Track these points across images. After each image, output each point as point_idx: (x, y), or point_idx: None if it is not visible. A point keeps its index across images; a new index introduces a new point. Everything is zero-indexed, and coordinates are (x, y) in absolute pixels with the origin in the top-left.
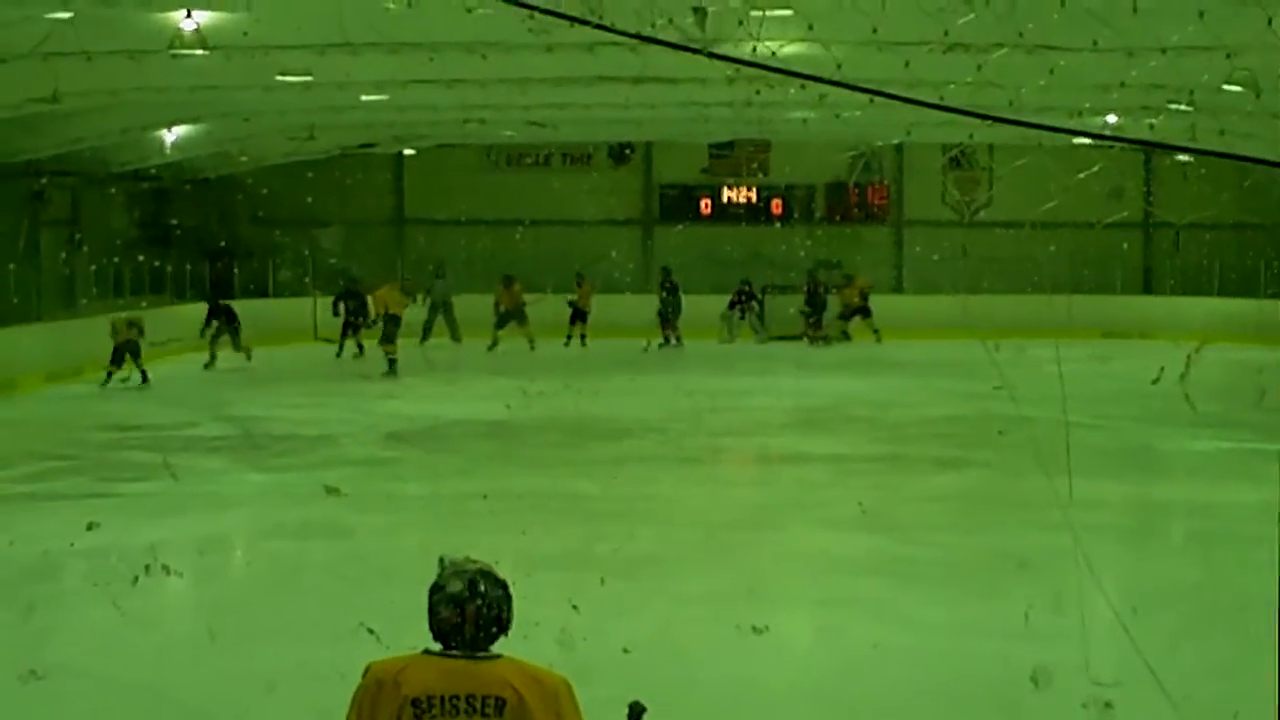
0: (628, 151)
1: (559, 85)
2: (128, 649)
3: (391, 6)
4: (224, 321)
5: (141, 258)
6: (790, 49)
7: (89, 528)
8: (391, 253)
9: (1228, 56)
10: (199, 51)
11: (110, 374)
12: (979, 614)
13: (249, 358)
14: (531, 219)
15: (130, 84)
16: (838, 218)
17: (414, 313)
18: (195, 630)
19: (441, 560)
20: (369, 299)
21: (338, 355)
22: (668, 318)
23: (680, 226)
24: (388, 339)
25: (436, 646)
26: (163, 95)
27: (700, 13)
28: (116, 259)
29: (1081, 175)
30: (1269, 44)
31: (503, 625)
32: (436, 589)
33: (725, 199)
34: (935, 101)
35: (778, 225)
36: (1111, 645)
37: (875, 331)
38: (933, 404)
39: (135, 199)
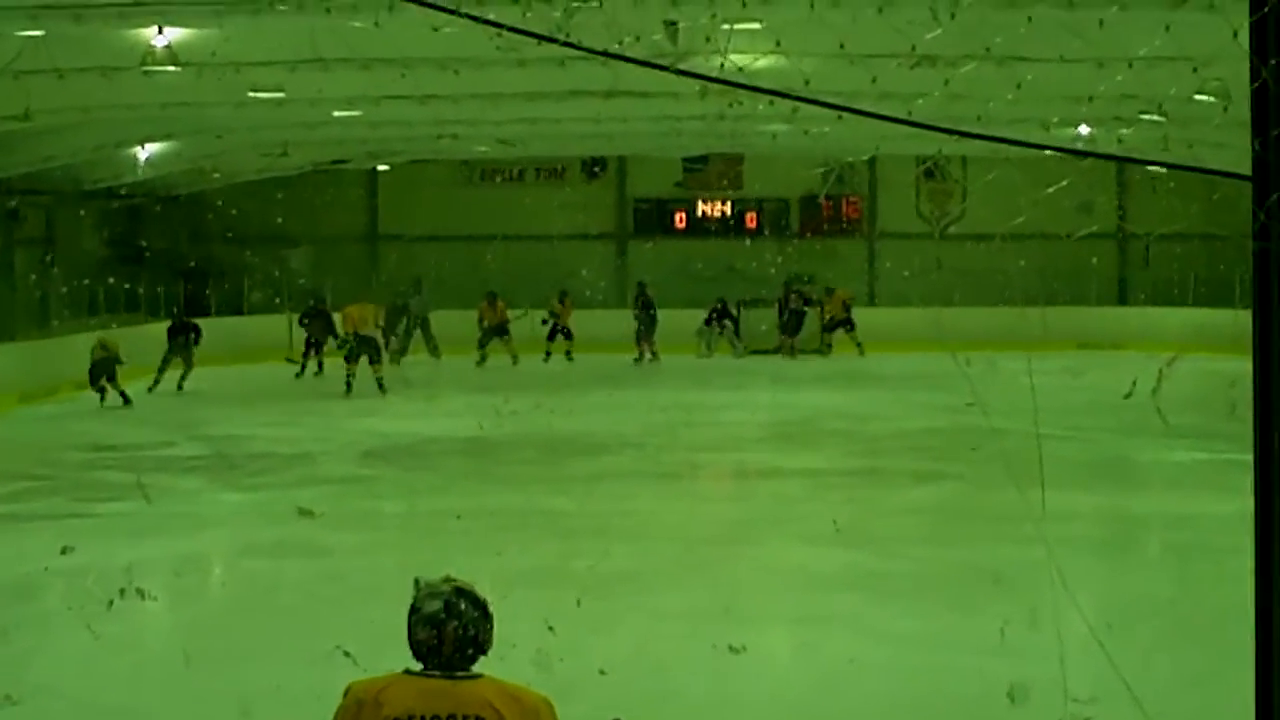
0: (597, 169)
1: (531, 100)
2: (104, 672)
3: (359, 25)
4: (186, 339)
5: (113, 279)
6: (760, 63)
7: (63, 551)
8: (365, 270)
9: (1195, 69)
10: (171, 68)
11: (103, 393)
12: (955, 629)
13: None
14: (505, 234)
15: (102, 101)
16: (811, 231)
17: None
18: (172, 652)
19: (417, 582)
20: (336, 318)
21: (298, 375)
22: (643, 334)
23: (654, 241)
24: (351, 358)
25: (417, 666)
26: (135, 112)
27: (672, 27)
28: (88, 280)
29: (1051, 189)
30: (1235, 55)
31: (480, 645)
32: (414, 610)
33: (699, 213)
34: (903, 116)
35: (751, 239)
36: (1087, 660)
37: (858, 344)
38: (908, 417)
39: (108, 217)
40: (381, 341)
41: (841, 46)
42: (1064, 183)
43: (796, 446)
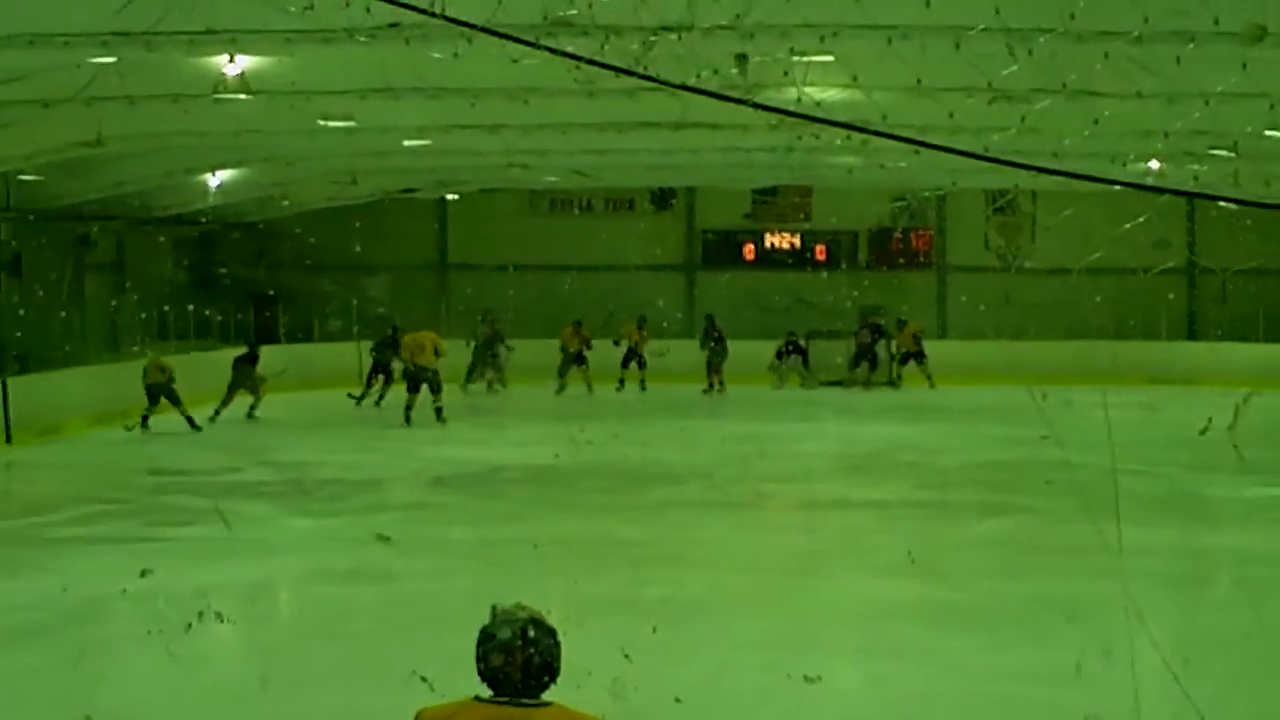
0: (667, 200)
1: (601, 130)
2: (180, 694)
3: (438, 56)
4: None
5: (191, 306)
6: (834, 96)
7: (141, 574)
8: (435, 298)
9: (1271, 106)
10: (242, 96)
11: (145, 417)
12: (1028, 661)
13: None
14: (574, 264)
15: (174, 128)
16: (881, 264)
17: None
18: (248, 675)
19: (494, 609)
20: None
21: (357, 403)
22: (714, 365)
23: (722, 272)
24: (411, 388)
25: (487, 693)
26: (206, 139)
27: (743, 60)
28: (159, 305)
29: (1128, 225)
30: None
31: (553, 673)
32: (487, 636)
33: (768, 244)
34: (978, 150)
35: (821, 271)
36: (1162, 694)
37: (929, 377)
38: (978, 450)
39: (179, 243)
40: (434, 371)
41: (919, 81)
42: (1140, 219)
43: (866, 478)
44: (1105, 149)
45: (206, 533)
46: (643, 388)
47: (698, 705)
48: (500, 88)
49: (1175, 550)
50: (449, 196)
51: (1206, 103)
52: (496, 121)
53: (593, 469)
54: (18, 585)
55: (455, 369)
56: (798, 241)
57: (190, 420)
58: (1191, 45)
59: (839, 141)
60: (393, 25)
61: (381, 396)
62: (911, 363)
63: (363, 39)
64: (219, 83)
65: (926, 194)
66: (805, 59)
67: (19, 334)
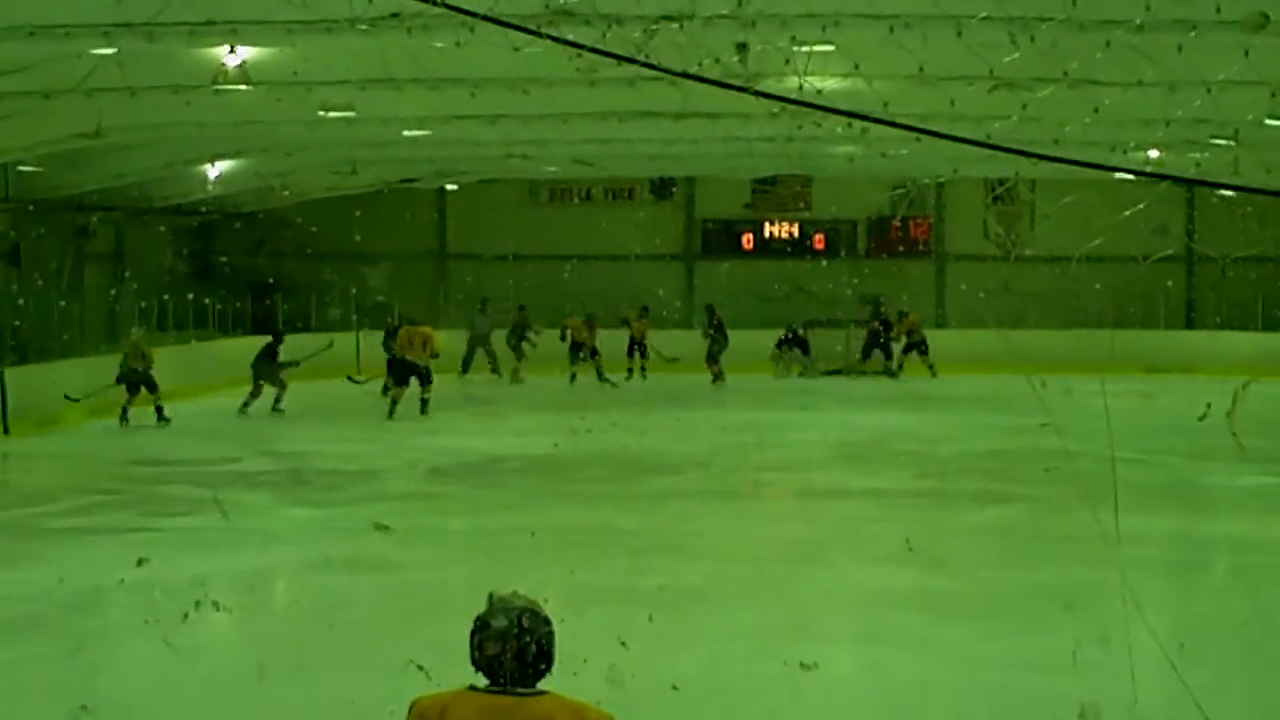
0: (667, 190)
1: (601, 120)
2: (177, 684)
3: (439, 45)
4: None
5: (191, 296)
6: (834, 84)
7: (139, 564)
8: (435, 288)
9: (1273, 94)
10: (242, 86)
11: (126, 410)
12: (1025, 649)
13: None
14: (574, 254)
15: (174, 119)
16: (880, 253)
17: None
18: (244, 665)
19: (491, 596)
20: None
21: (358, 382)
22: (713, 354)
23: (721, 262)
24: (398, 381)
25: (482, 682)
26: (206, 130)
27: (744, 48)
28: (158, 295)
29: (1128, 213)
30: None
31: (548, 662)
32: (482, 625)
33: (767, 234)
34: (979, 138)
35: (820, 260)
36: (1159, 682)
37: (930, 367)
38: (977, 439)
39: (178, 233)
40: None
41: (920, 70)
42: (1140, 206)
43: (865, 467)
44: (1106, 137)
45: (204, 523)
46: (643, 376)
47: (694, 693)
48: (500, 78)
49: (1173, 538)
50: (449, 186)
51: (1208, 91)
52: (497, 111)
53: (591, 458)
54: (15, 576)
55: (452, 358)
56: (797, 230)
57: (159, 410)
58: (1193, 33)
59: (840, 130)
60: (394, 15)
61: (387, 387)
62: (914, 352)
63: (363, 29)
64: (219, 73)
65: (926, 182)
66: (806, 48)
67: (18, 324)
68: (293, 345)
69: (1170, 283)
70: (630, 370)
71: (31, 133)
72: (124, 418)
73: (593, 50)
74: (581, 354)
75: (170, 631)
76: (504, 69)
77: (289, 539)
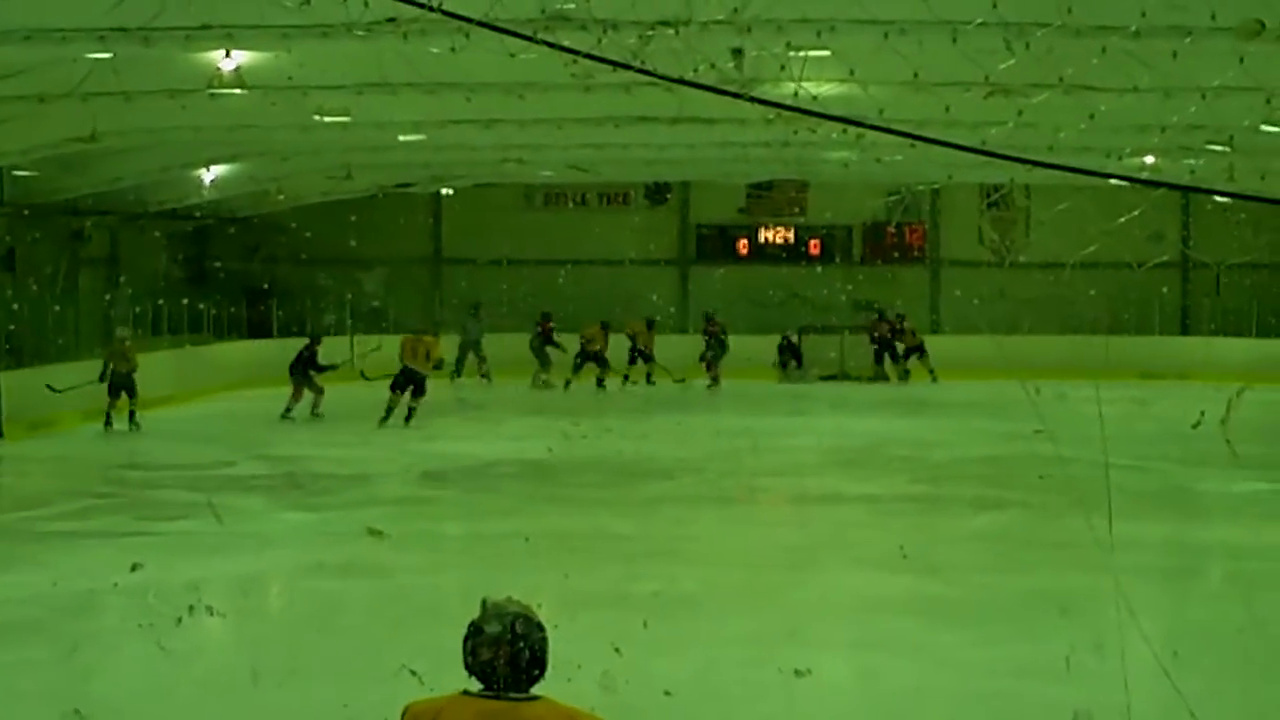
0: (662, 195)
1: (597, 125)
2: (171, 688)
3: (435, 51)
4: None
5: (185, 301)
6: (829, 90)
7: (133, 569)
8: (430, 293)
9: (1268, 101)
10: (237, 91)
11: (110, 415)
12: (1019, 655)
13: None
14: (568, 258)
15: (169, 123)
16: (875, 258)
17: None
18: (238, 669)
19: (484, 601)
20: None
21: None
22: (709, 360)
23: (716, 267)
24: (395, 387)
25: (476, 687)
26: (201, 134)
27: (739, 54)
28: (160, 300)
29: (1123, 219)
30: None
31: (542, 667)
32: (476, 630)
33: (762, 239)
34: (975, 144)
35: (815, 266)
36: (1153, 688)
37: (931, 371)
38: (971, 444)
39: (173, 238)
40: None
41: (916, 76)
42: (1135, 213)
43: (859, 473)
44: (1101, 143)
45: (198, 527)
46: (649, 381)
47: (688, 699)
48: (496, 83)
49: (1167, 544)
50: (444, 191)
51: (1203, 97)
52: (492, 116)
53: (585, 463)
54: (9, 579)
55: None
56: (792, 236)
57: (132, 415)
58: (1188, 40)
59: (835, 136)
60: (390, 20)
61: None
62: (913, 357)
63: (359, 34)
64: (214, 78)
65: (921, 188)
66: (802, 53)
67: (12, 328)
68: (331, 348)
69: (1165, 289)
70: (626, 377)
71: (27, 137)
72: (108, 422)
73: (588, 56)
74: (585, 360)
75: (164, 635)
76: (500, 74)
77: (283, 543)
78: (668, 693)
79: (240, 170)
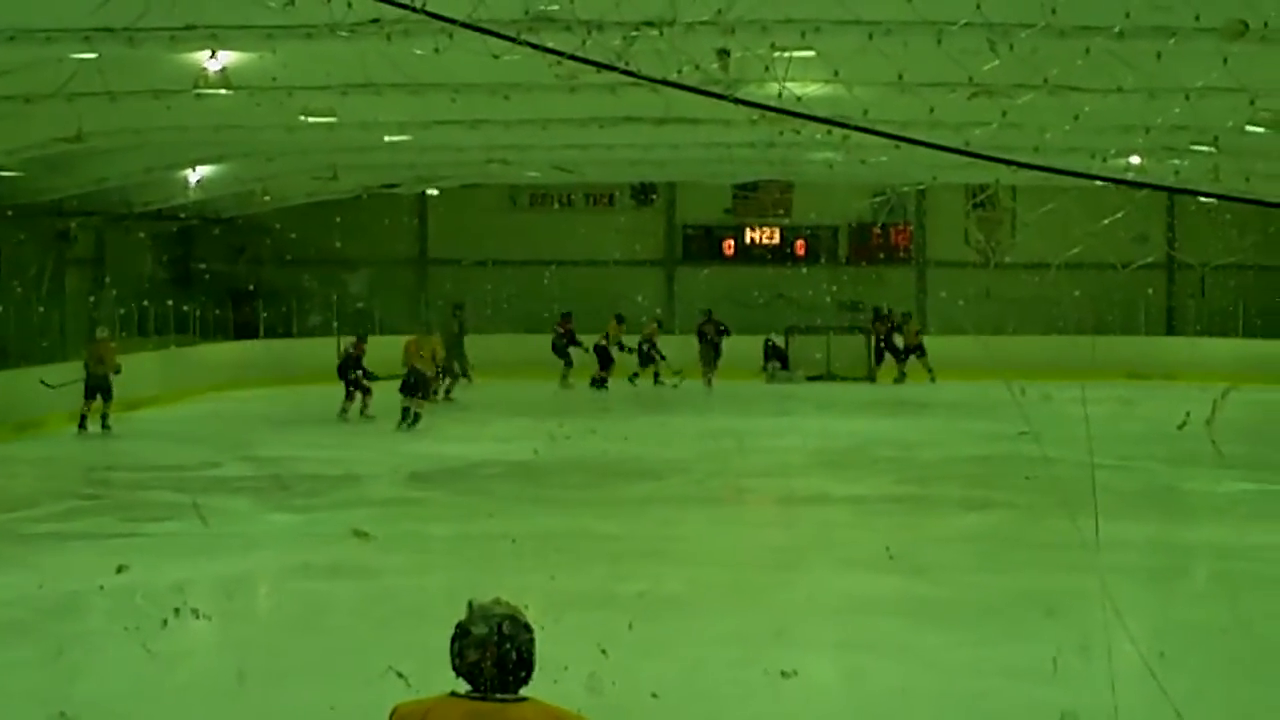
0: (648, 196)
1: (582, 126)
2: (157, 690)
3: (419, 52)
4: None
5: (171, 302)
6: (814, 91)
7: (118, 570)
8: (415, 294)
9: (1252, 102)
10: (223, 91)
11: (84, 417)
12: (1005, 656)
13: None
14: (554, 259)
15: (154, 124)
16: (860, 259)
17: None
18: (224, 671)
19: (471, 603)
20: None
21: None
22: (704, 360)
23: (702, 268)
24: (405, 390)
25: (463, 688)
26: (187, 135)
27: (724, 55)
28: (146, 302)
29: (1107, 220)
30: None
31: (529, 668)
32: (463, 632)
33: (748, 240)
34: (959, 145)
35: (801, 266)
36: (1139, 689)
37: (929, 371)
38: (957, 445)
39: (160, 239)
40: (431, 376)
41: (900, 76)
42: (1120, 214)
43: (845, 473)
44: (1086, 144)
45: (184, 528)
46: (657, 381)
47: (674, 700)
48: (481, 83)
49: (1152, 545)
50: (429, 192)
51: (1187, 98)
52: (477, 117)
53: (572, 464)
54: None
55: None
56: (778, 237)
57: (104, 418)
58: (1172, 41)
59: (820, 137)
60: (374, 21)
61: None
62: (912, 357)
63: (344, 35)
64: (200, 78)
65: (906, 189)
66: (787, 54)
67: None
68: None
69: (1151, 290)
70: (657, 375)
71: (12, 137)
72: (83, 425)
73: (572, 58)
74: (649, 359)
75: (150, 637)
76: (484, 74)
77: (269, 544)
78: (654, 695)
79: (225, 171)
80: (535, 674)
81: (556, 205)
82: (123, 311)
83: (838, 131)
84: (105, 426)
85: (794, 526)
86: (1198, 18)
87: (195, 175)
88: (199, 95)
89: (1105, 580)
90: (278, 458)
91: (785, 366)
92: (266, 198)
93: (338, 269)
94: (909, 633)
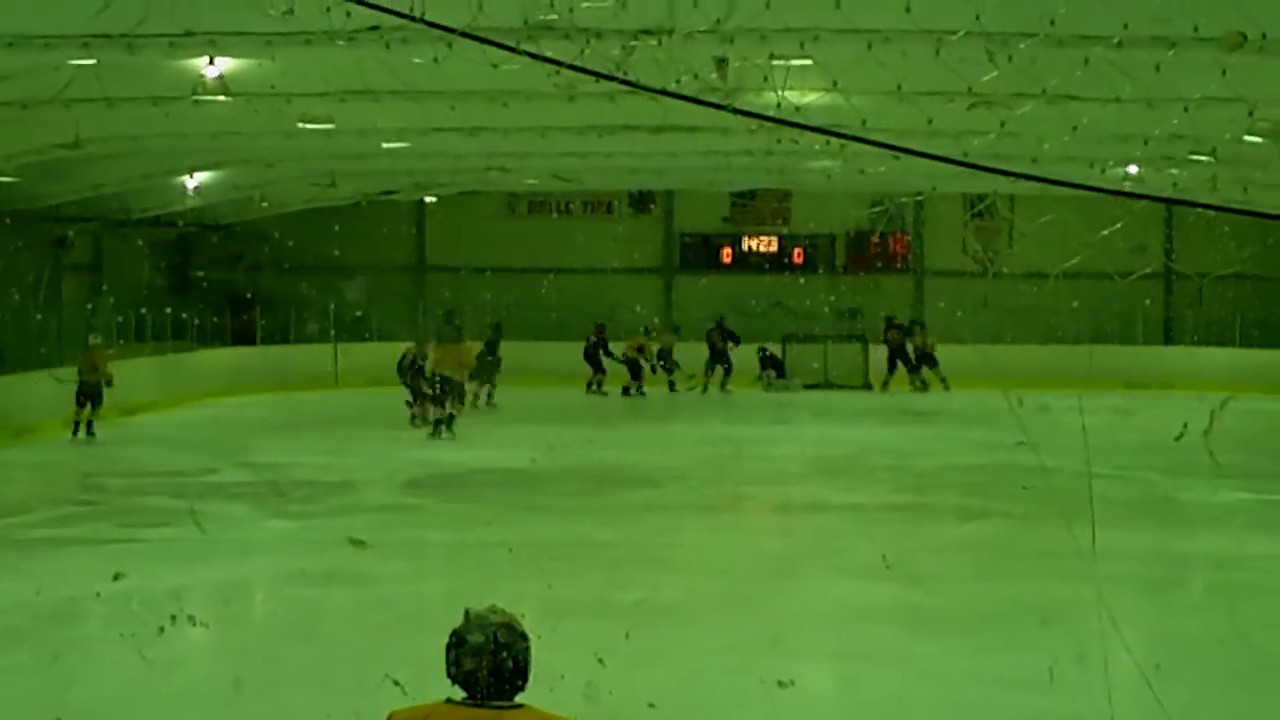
0: (651, 204)
1: (581, 134)
2: (153, 696)
3: (418, 60)
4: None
5: (169, 309)
6: (813, 100)
7: (115, 577)
8: (413, 301)
9: (1250, 112)
10: (221, 98)
11: (77, 424)
12: (1002, 665)
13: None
14: (552, 267)
15: (152, 130)
16: (859, 268)
17: None
18: (220, 678)
19: (467, 612)
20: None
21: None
22: (709, 366)
23: (700, 276)
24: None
25: (459, 695)
26: (185, 141)
27: (723, 64)
28: (143, 309)
29: (1105, 231)
30: None
31: (525, 676)
32: (459, 640)
33: (746, 248)
34: (957, 155)
35: (799, 275)
36: (1136, 699)
37: (943, 380)
38: (954, 454)
39: (158, 246)
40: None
41: (899, 86)
42: (1118, 224)
43: (843, 481)
44: (1084, 154)
45: (181, 534)
46: (672, 389)
47: (671, 709)
48: (480, 91)
49: (1150, 555)
50: (427, 199)
51: (1185, 108)
52: (476, 124)
53: (569, 472)
54: None
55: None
56: (776, 245)
57: (90, 425)
58: (1171, 51)
59: (818, 146)
60: (373, 29)
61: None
62: (924, 366)
63: (342, 42)
64: (198, 85)
65: (904, 199)
66: (785, 63)
67: None
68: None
69: (1148, 300)
70: (672, 384)
71: (9, 143)
72: (75, 431)
73: (570, 67)
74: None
75: (146, 644)
76: (483, 82)
77: (266, 551)
78: (651, 704)
79: (223, 177)
80: (531, 682)
81: (555, 213)
82: (120, 318)
83: (836, 141)
84: (90, 434)
85: (791, 535)
86: (1196, 28)
87: (193, 182)
88: (197, 102)
89: (1102, 590)
90: (274, 464)
91: (781, 375)
92: (264, 204)
93: (335, 276)
94: (906, 642)
